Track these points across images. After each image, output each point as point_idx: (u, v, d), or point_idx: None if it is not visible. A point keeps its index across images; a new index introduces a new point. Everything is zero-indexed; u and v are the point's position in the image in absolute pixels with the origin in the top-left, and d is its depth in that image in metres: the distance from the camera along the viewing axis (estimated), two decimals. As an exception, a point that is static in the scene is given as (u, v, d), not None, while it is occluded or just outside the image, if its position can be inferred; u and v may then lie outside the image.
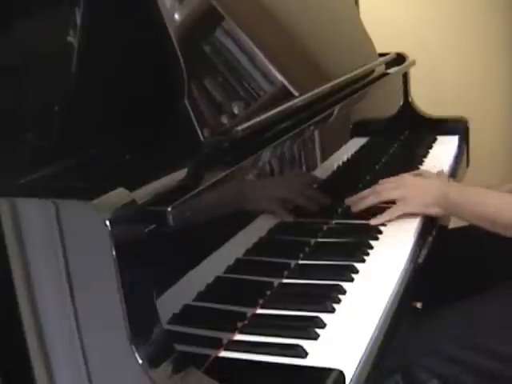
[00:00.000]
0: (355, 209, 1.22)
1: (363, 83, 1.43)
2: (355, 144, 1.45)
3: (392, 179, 1.25)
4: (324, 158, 1.25)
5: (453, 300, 1.10)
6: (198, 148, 0.85)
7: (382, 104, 1.69)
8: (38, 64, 0.89)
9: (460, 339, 1.02)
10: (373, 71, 1.55)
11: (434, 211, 1.18)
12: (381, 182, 1.26)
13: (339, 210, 1.27)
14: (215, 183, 0.80)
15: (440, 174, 1.37)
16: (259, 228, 0.97)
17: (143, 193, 0.70)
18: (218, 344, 0.82)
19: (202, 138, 0.85)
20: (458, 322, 1.05)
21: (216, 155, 0.87)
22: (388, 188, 1.21)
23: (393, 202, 1.21)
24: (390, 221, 1.18)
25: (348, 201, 1.24)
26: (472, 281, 1.23)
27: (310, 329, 0.84)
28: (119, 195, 0.66)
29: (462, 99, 2.28)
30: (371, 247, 1.10)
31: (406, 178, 1.25)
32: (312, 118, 1.11)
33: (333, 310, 0.90)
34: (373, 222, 1.18)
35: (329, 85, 1.20)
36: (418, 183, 1.24)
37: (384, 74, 1.64)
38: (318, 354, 0.80)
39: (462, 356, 1.00)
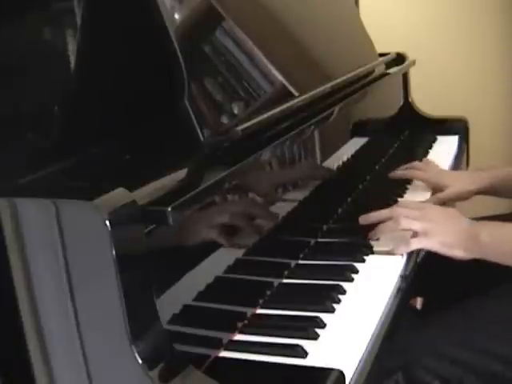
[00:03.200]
0: (372, 235, 1.11)
1: (363, 83, 1.43)
2: (355, 144, 1.45)
3: (414, 205, 1.14)
4: (324, 158, 1.25)
5: (453, 300, 1.10)
6: (197, 148, 0.85)
7: (381, 104, 1.69)
8: (38, 64, 0.89)
9: (461, 340, 1.01)
10: (373, 71, 1.55)
11: (458, 254, 1.06)
12: (401, 203, 1.17)
13: (339, 211, 1.27)
14: (215, 183, 0.80)
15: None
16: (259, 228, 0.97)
17: (143, 193, 0.70)
18: (218, 344, 0.82)
19: (202, 138, 0.85)
20: (458, 323, 1.05)
21: (216, 155, 0.87)
22: (409, 216, 1.09)
23: None
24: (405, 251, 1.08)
25: (362, 219, 1.13)
26: (472, 281, 1.23)
27: (310, 329, 0.84)
28: (119, 195, 0.66)
29: (462, 99, 2.28)
30: (371, 247, 1.10)
31: (432, 209, 1.14)
32: (312, 118, 1.11)
33: (333, 310, 0.90)
34: (384, 249, 1.08)
35: (329, 85, 1.20)
36: (441, 217, 1.11)
37: (384, 74, 1.64)
38: (318, 354, 0.80)
39: (462, 357, 0.99)
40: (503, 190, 1.33)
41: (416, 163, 1.47)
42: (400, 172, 1.44)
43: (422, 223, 1.07)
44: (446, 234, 1.06)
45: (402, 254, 1.07)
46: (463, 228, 1.07)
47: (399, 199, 1.33)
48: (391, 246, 1.07)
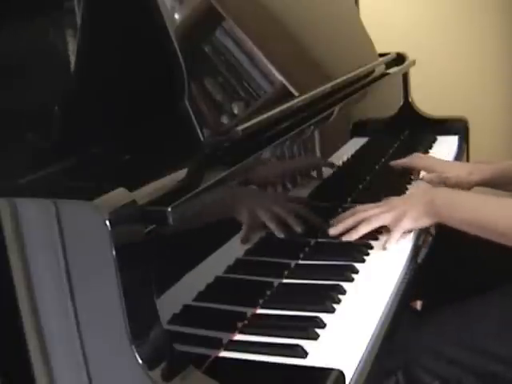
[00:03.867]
0: (346, 238, 1.11)
1: (363, 83, 1.43)
2: (355, 144, 1.45)
3: (379, 203, 1.18)
4: (324, 158, 1.25)
5: (453, 300, 1.10)
6: (198, 148, 0.85)
7: (382, 104, 1.69)
8: (38, 64, 0.89)
9: (460, 340, 1.02)
10: (373, 71, 1.55)
11: (423, 222, 1.12)
12: (360, 207, 1.18)
13: (339, 210, 1.26)
14: (215, 183, 0.80)
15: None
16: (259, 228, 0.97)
17: (143, 193, 0.70)
18: (218, 344, 0.82)
19: (202, 138, 0.85)
20: (458, 323, 1.05)
21: (216, 155, 0.87)
22: (378, 213, 1.13)
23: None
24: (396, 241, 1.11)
25: (332, 230, 1.13)
26: (472, 281, 1.23)
27: (310, 329, 0.84)
28: (119, 195, 0.66)
29: (462, 99, 2.28)
30: (371, 247, 1.10)
31: (393, 199, 1.19)
32: (312, 118, 1.11)
33: (333, 310, 0.90)
34: (375, 247, 1.11)
35: (329, 85, 1.20)
36: (403, 200, 1.18)
37: (384, 74, 1.64)
38: (318, 353, 0.80)
39: (462, 357, 0.99)
40: (503, 182, 1.34)
41: (417, 153, 1.50)
42: (402, 160, 1.46)
43: (391, 213, 1.12)
44: (409, 211, 1.11)
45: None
46: (420, 197, 1.14)
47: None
48: (381, 246, 1.11)
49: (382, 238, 1.14)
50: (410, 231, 1.13)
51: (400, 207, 1.13)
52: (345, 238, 1.12)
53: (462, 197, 1.15)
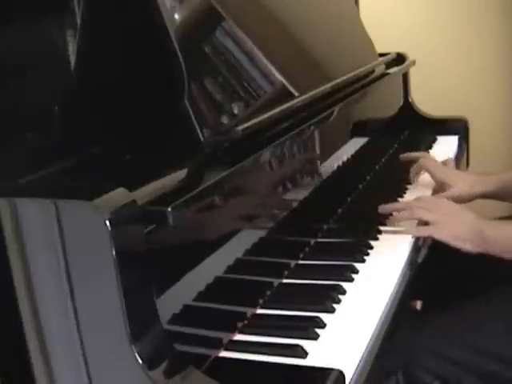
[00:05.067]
0: (388, 222, 1.19)
1: (363, 83, 1.43)
2: (355, 144, 1.45)
3: (429, 199, 1.23)
4: (324, 158, 1.25)
5: (453, 301, 1.10)
6: (198, 148, 0.85)
7: (382, 104, 1.69)
8: (38, 64, 0.89)
9: (460, 340, 1.02)
10: (373, 71, 1.55)
11: (464, 246, 1.11)
12: (418, 198, 1.22)
13: (339, 211, 1.27)
14: (215, 183, 0.80)
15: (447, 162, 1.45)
16: (259, 228, 0.97)
17: (143, 193, 0.70)
18: (218, 344, 0.82)
19: (202, 138, 0.85)
20: (458, 324, 1.05)
21: (216, 155, 0.87)
22: (423, 208, 1.16)
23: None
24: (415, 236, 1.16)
25: (381, 208, 1.20)
26: (472, 281, 1.23)
27: (310, 329, 0.84)
28: (119, 195, 0.66)
29: (462, 99, 2.28)
30: (371, 247, 1.10)
31: (444, 202, 1.21)
32: (312, 118, 1.11)
33: (333, 310, 0.90)
34: (397, 230, 1.16)
35: (329, 85, 1.20)
36: (454, 211, 1.18)
37: (384, 74, 1.64)
38: (318, 353, 0.80)
39: (462, 357, 1.00)
40: (506, 194, 1.34)
41: (428, 154, 1.51)
42: (413, 154, 1.49)
43: (435, 214, 1.14)
44: (456, 227, 1.12)
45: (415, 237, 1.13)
46: (471, 222, 1.13)
47: (399, 199, 1.33)
48: (403, 228, 1.15)
49: (382, 238, 1.14)
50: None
51: (447, 216, 1.15)
52: (388, 222, 1.19)
53: (503, 227, 1.15)
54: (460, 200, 1.31)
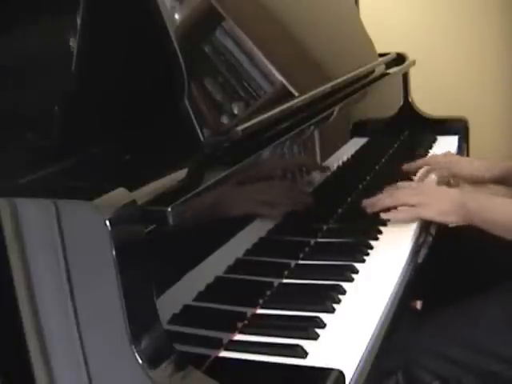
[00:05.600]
0: (371, 210, 1.21)
1: (363, 83, 1.43)
2: (355, 144, 1.45)
3: (413, 184, 1.27)
4: (324, 158, 1.25)
5: (453, 300, 1.10)
6: (198, 148, 0.85)
7: (381, 104, 1.69)
8: (38, 64, 0.89)
9: (460, 340, 1.02)
10: (373, 71, 1.55)
11: (449, 219, 1.17)
12: (400, 184, 1.26)
13: (339, 211, 1.27)
14: (215, 183, 0.80)
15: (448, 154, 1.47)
16: (259, 228, 0.97)
17: (143, 193, 0.70)
18: (218, 344, 0.82)
19: (202, 138, 0.85)
20: (458, 323, 1.05)
21: (216, 155, 0.87)
22: (407, 193, 1.20)
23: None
24: (403, 222, 1.18)
25: (365, 202, 1.23)
26: (472, 281, 1.23)
27: (310, 329, 0.84)
28: (119, 195, 0.66)
29: (462, 99, 2.28)
30: (371, 247, 1.10)
31: (425, 185, 1.26)
32: (312, 118, 1.11)
33: (333, 310, 0.90)
34: (384, 215, 1.18)
35: (329, 85, 1.20)
36: (436, 190, 1.24)
37: (384, 74, 1.64)
38: (318, 353, 0.80)
39: (462, 357, 0.99)
40: (509, 179, 1.37)
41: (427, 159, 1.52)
42: (415, 164, 1.47)
43: (418, 197, 1.18)
44: (439, 203, 1.17)
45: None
46: (454, 196, 1.18)
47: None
48: (391, 215, 1.18)
49: (382, 238, 1.14)
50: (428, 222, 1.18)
51: (430, 196, 1.19)
52: (369, 210, 1.21)
53: (494, 200, 1.17)
54: (472, 181, 1.36)
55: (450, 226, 1.22)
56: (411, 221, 1.18)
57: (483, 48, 2.32)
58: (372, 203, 1.22)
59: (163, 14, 0.86)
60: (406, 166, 1.46)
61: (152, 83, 0.87)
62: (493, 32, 2.31)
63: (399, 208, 1.19)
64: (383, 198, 1.21)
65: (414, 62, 1.84)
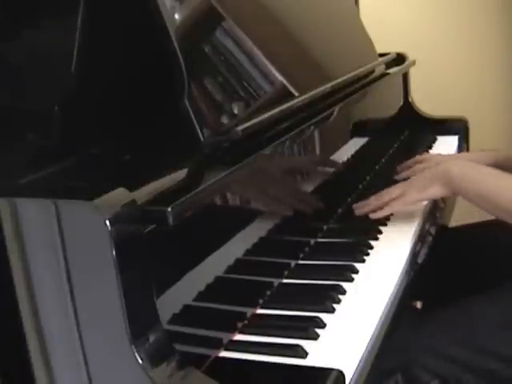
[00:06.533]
0: (358, 212, 1.20)
1: (363, 83, 1.43)
2: (355, 144, 1.45)
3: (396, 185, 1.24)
4: (324, 158, 1.25)
5: (453, 300, 1.10)
6: (197, 148, 0.85)
7: (382, 104, 1.69)
8: (38, 64, 0.89)
9: (460, 339, 1.01)
10: (373, 71, 1.55)
11: (433, 191, 1.12)
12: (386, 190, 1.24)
13: (339, 211, 1.27)
14: (215, 183, 0.80)
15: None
16: (259, 228, 0.97)
17: (143, 193, 0.70)
18: (218, 344, 0.82)
19: (202, 138, 0.85)
20: (458, 322, 1.05)
21: (216, 155, 0.87)
22: (389, 189, 1.19)
23: None
24: (390, 213, 1.18)
25: (354, 206, 1.22)
26: (472, 281, 1.23)
27: (310, 329, 0.84)
28: (119, 195, 0.66)
29: (462, 99, 2.28)
30: (371, 247, 1.10)
31: (411, 179, 1.23)
32: (312, 118, 1.11)
33: (333, 310, 0.90)
34: (373, 215, 1.17)
35: (329, 85, 1.20)
36: (416, 176, 1.20)
37: (384, 74, 1.64)
38: (318, 353, 0.80)
39: (462, 356, 0.99)
40: (505, 169, 1.34)
41: (417, 158, 1.48)
42: (404, 173, 1.44)
43: (398, 187, 1.17)
44: (421, 181, 1.15)
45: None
46: (436, 169, 1.14)
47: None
48: (378, 214, 1.17)
49: (382, 238, 1.14)
50: (419, 202, 1.17)
51: (410, 181, 1.17)
52: (356, 212, 1.20)
53: (480, 169, 1.11)
54: None
55: (440, 197, 1.18)
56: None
57: (483, 48, 2.32)
58: (358, 206, 1.21)
59: (163, 13, 0.86)
60: (399, 169, 1.45)
61: (152, 83, 0.87)
62: (493, 32, 2.31)
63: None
64: (370, 201, 1.20)
65: (413, 62, 1.84)
